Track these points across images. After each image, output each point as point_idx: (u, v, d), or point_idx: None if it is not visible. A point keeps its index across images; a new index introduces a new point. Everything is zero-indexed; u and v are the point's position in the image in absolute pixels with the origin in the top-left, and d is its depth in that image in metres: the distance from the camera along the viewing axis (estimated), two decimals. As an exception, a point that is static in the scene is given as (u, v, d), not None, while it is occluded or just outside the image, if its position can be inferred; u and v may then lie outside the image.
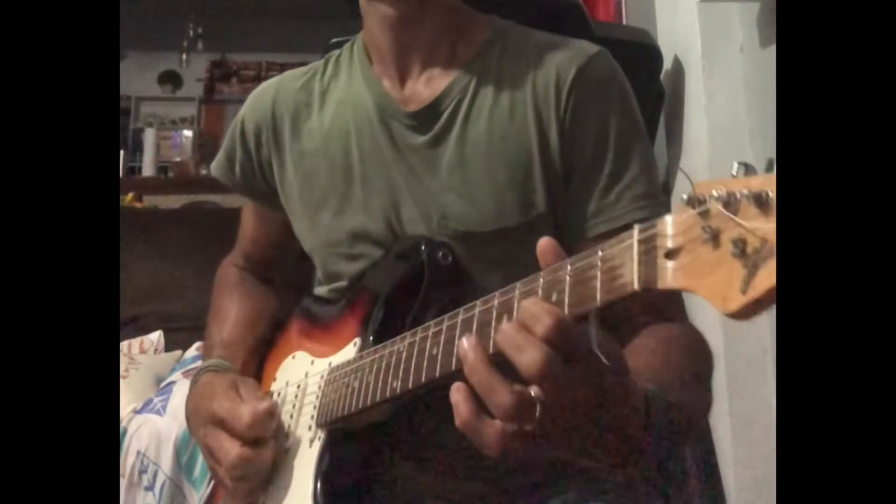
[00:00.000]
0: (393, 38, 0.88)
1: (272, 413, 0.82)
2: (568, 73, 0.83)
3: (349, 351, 0.82)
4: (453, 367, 0.61)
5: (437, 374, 0.63)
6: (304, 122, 0.94)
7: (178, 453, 1.81)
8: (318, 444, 0.80)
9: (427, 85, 0.89)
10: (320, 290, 0.97)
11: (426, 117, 0.88)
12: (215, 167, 1.02)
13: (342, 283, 0.92)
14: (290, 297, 1.05)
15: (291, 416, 0.86)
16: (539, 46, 0.87)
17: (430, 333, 0.66)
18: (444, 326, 0.64)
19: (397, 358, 0.70)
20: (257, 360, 0.98)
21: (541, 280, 0.56)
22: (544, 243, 0.57)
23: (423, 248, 0.82)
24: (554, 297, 0.54)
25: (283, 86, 0.98)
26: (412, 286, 0.81)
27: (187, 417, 0.90)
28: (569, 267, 0.54)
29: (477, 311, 0.61)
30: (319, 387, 0.83)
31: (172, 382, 2.02)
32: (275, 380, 0.94)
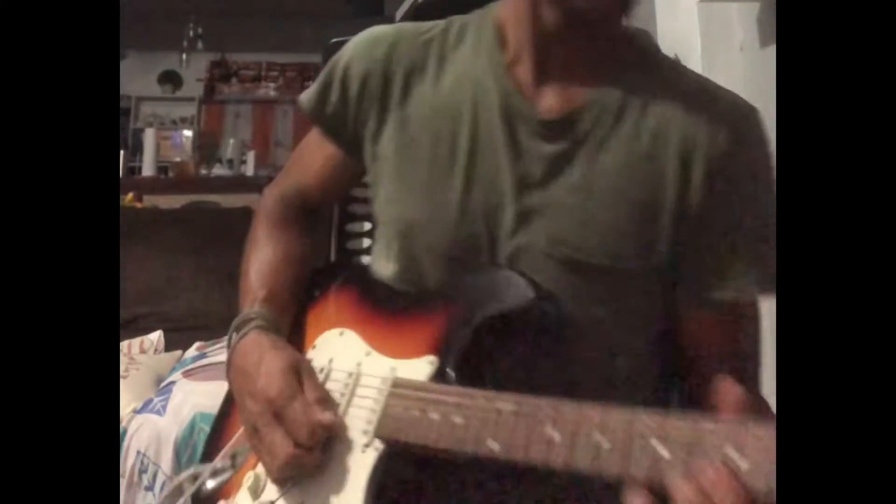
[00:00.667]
0: (543, 39, 0.81)
1: (334, 425, 0.76)
2: (725, 136, 0.79)
3: (421, 368, 0.76)
4: (581, 467, 0.59)
5: (560, 463, 0.61)
6: (417, 85, 0.86)
7: (178, 453, 1.81)
8: (373, 455, 0.74)
9: (563, 93, 0.82)
10: (380, 267, 0.90)
11: (558, 128, 0.81)
12: (306, 102, 0.93)
13: (415, 275, 0.85)
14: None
15: (339, 405, 0.79)
16: (694, 91, 0.82)
17: (549, 412, 0.63)
18: (571, 413, 0.62)
19: (499, 418, 0.66)
20: (297, 309, 0.92)
21: (721, 435, 0.55)
22: (726, 387, 0.58)
23: (534, 295, 0.74)
24: (740, 465, 0.54)
25: (401, 38, 0.88)
26: (509, 329, 0.75)
27: (230, 373, 0.85)
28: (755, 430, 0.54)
29: (620, 425, 0.59)
30: (381, 392, 0.77)
31: (172, 382, 2.02)
32: (314, 347, 0.88)
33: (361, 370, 0.80)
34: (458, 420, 0.68)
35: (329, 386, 0.81)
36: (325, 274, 0.97)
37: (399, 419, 0.73)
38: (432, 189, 0.83)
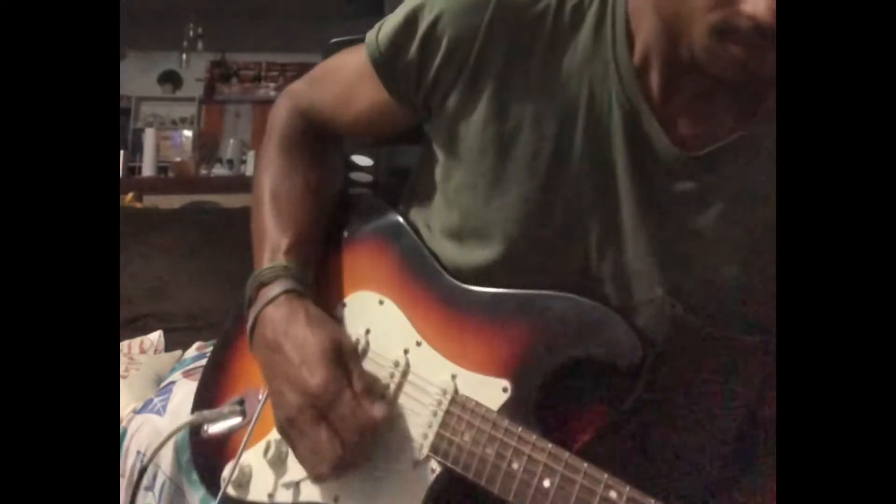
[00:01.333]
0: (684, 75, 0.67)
1: (384, 420, 0.68)
2: None
3: (491, 391, 0.67)
4: None
5: None
6: (519, 70, 0.71)
7: (178, 453, 1.81)
8: (430, 475, 0.68)
9: (702, 121, 0.68)
10: (428, 237, 0.78)
11: (694, 164, 0.68)
12: (374, 44, 0.76)
13: (481, 270, 0.73)
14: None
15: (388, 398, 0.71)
16: None
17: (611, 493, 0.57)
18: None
19: (581, 490, 0.60)
20: (323, 251, 0.80)
21: None
22: None
23: (644, 352, 0.64)
24: None
25: (505, 6, 0.71)
26: (599, 377, 0.65)
27: (254, 346, 0.74)
28: None
29: None
30: (440, 404, 0.69)
31: (172, 382, 2.02)
32: (344, 305, 0.77)
33: (410, 362, 0.71)
34: (528, 478, 0.62)
35: (367, 367, 0.72)
36: (357, 211, 0.84)
37: (459, 446, 0.66)
38: (527, 198, 0.71)
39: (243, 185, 4.57)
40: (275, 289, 0.74)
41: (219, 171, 5.15)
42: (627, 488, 0.59)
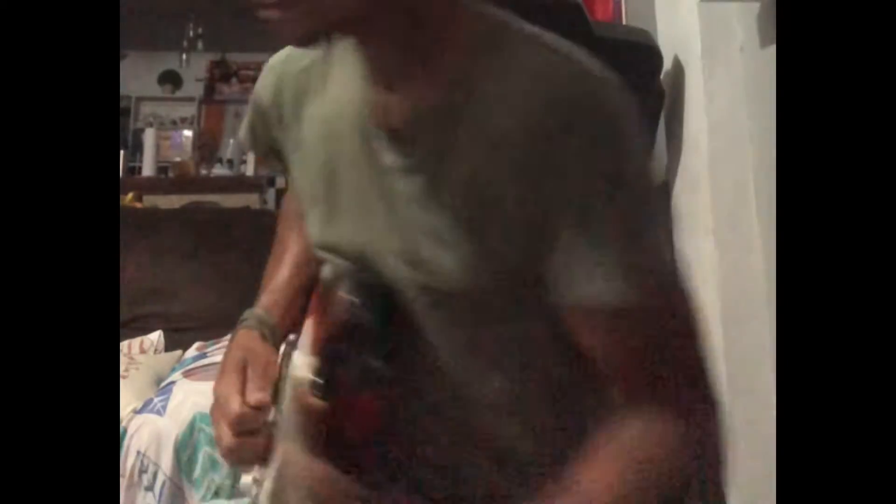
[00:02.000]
0: (362, 49, 0.76)
1: (263, 407, 0.80)
2: (552, 113, 0.69)
3: (306, 366, 0.80)
4: None
5: None
6: (306, 108, 0.84)
7: (178, 453, 1.81)
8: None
9: (408, 95, 0.75)
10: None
11: (402, 138, 0.75)
12: (242, 136, 0.95)
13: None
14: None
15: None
16: (531, 69, 0.71)
17: None
18: None
19: None
20: (304, 300, 0.92)
21: None
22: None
23: (351, 303, 0.77)
24: None
25: (287, 64, 0.85)
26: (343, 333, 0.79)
27: None
28: None
29: None
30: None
31: (172, 382, 2.02)
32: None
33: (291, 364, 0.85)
34: None
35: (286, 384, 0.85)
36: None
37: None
38: (324, 214, 0.83)
39: (243, 185, 4.58)
40: (239, 325, 0.90)
41: (219, 171, 5.15)
42: None
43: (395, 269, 0.78)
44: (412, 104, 0.74)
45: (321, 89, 0.83)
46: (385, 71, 0.76)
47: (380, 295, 0.78)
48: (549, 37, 0.76)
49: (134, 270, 2.71)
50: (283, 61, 0.88)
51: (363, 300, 0.78)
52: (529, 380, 0.79)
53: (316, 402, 0.78)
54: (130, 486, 1.79)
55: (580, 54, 0.74)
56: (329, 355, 0.79)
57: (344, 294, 0.78)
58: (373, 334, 0.78)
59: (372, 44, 0.75)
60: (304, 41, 0.71)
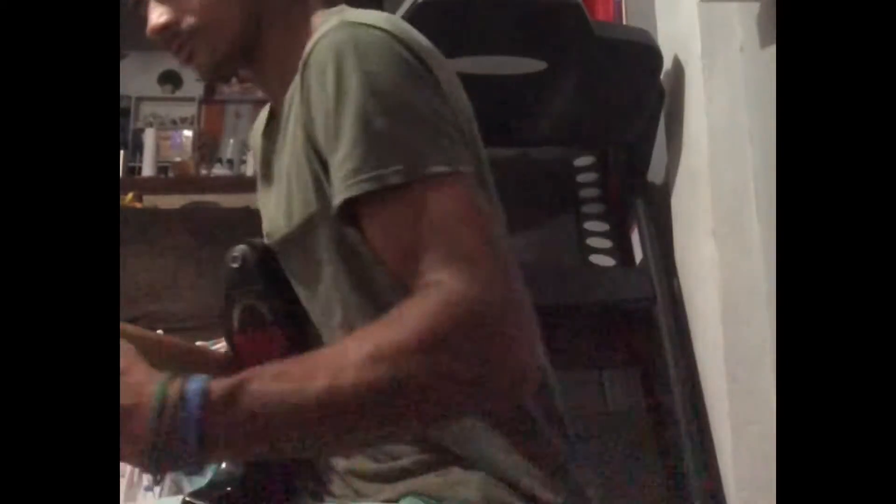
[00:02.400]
0: (254, 80, 0.92)
1: None
2: (304, 59, 0.77)
3: None
4: None
5: None
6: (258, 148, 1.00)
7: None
8: None
9: (279, 97, 0.87)
10: None
11: (274, 130, 0.89)
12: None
13: None
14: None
15: None
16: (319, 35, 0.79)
17: None
18: None
19: None
20: None
21: None
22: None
23: (227, 254, 0.91)
24: None
25: (257, 125, 1.02)
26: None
27: None
28: None
29: None
30: None
31: (172, 382, 2.02)
32: None
33: None
34: None
35: None
36: None
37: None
38: (262, 206, 0.97)
39: (243, 185, 4.57)
40: None
41: (219, 171, 5.15)
42: None
43: (270, 236, 0.89)
44: (280, 105, 0.86)
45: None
46: (273, 90, 0.88)
47: (257, 248, 0.91)
48: (355, 9, 0.82)
49: (134, 270, 2.71)
50: (258, 121, 1.02)
51: (240, 249, 0.91)
52: (363, 306, 0.81)
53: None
54: (131, 486, 1.79)
55: (366, 13, 0.78)
56: (224, 298, 0.91)
57: (233, 246, 0.92)
58: (249, 274, 0.89)
59: (261, 73, 0.88)
60: (214, 75, 0.87)
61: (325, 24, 0.78)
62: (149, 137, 4.83)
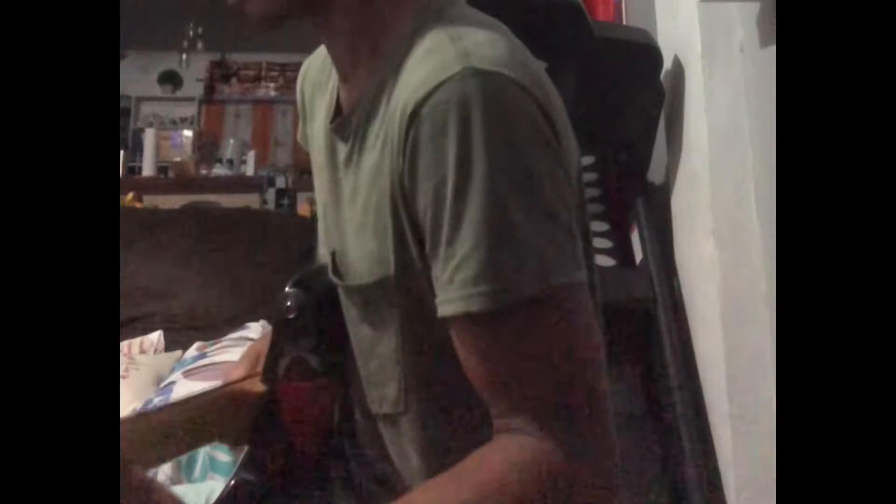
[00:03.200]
0: (322, 38, 0.79)
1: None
2: (411, 102, 0.64)
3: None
4: None
5: None
6: (315, 105, 0.87)
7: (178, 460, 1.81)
8: None
9: (355, 83, 0.75)
10: None
11: (343, 127, 0.76)
12: (298, 138, 0.97)
13: None
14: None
15: None
16: (420, 57, 0.67)
17: None
18: None
19: None
20: None
21: None
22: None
23: (283, 300, 0.80)
24: None
25: (312, 61, 0.90)
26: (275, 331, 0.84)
27: None
28: None
29: None
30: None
31: (172, 382, 2.02)
32: None
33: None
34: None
35: None
36: None
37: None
38: (318, 210, 0.86)
39: (243, 185, 4.58)
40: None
41: (219, 171, 5.16)
42: None
43: (335, 265, 0.78)
44: (357, 91, 0.75)
45: (326, 86, 0.84)
46: (340, 60, 0.77)
47: (314, 290, 0.80)
48: (468, 22, 0.70)
49: (134, 270, 2.71)
50: (309, 59, 0.91)
51: (296, 294, 0.80)
52: (420, 390, 0.74)
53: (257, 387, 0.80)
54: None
55: (486, 45, 0.66)
56: (271, 347, 0.82)
57: (287, 288, 0.81)
58: (304, 327, 0.79)
59: (327, 29, 0.75)
60: (266, 22, 0.74)
61: (437, 44, 0.66)
62: (149, 137, 4.84)
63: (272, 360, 0.81)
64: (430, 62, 0.65)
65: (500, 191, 0.61)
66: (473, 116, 0.61)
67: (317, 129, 0.84)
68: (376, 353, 0.76)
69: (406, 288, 0.69)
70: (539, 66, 0.70)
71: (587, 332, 0.63)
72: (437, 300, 0.64)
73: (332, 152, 0.79)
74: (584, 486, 0.60)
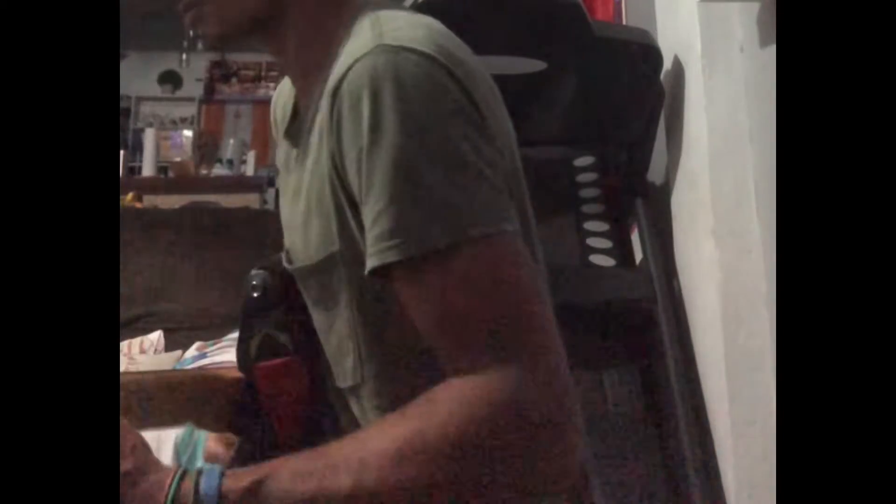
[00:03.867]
0: (271, 53, 0.85)
1: None
2: (332, 84, 0.69)
3: None
4: None
5: None
6: (282, 121, 0.94)
7: (178, 453, 1.80)
8: None
9: (303, 96, 0.82)
10: None
11: (296, 133, 0.82)
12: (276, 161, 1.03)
13: None
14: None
15: None
16: (350, 48, 0.71)
17: None
18: None
19: None
20: None
21: None
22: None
23: (248, 280, 0.87)
24: None
25: (282, 86, 0.97)
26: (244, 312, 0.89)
27: None
28: None
29: None
30: None
31: (172, 382, 2.01)
32: None
33: None
34: None
35: None
36: None
37: None
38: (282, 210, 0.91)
39: (243, 185, 4.58)
40: None
41: (219, 171, 5.16)
42: None
43: (290, 256, 0.84)
44: (306, 99, 0.81)
45: (289, 103, 0.91)
46: (292, 73, 0.83)
47: (277, 273, 0.87)
48: (394, 14, 0.74)
49: (134, 270, 2.70)
50: (280, 84, 0.97)
51: (260, 275, 0.87)
52: (375, 360, 0.77)
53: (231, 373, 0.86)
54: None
55: (403, 28, 0.70)
56: (241, 330, 0.88)
57: (252, 271, 0.89)
58: (269, 305, 0.86)
59: (276, 46, 0.81)
60: (220, 41, 0.80)
61: (359, 32, 0.71)
62: (149, 137, 4.84)
63: (244, 341, 0.87)
64: (350, 47, 0.71)
65: (409, 151, 0.64)
66: (384, 86, 0.65)
67: (280, 142, 0.92)
68: (334, 329, 0.80)
69: (351, 262, 0.73)
70: (466, 53, 0.74)
71: (519, 278, 0.65)
72: (366, 261, 0.67)
73: (287, 159, 0.86)
74: (533, 418, 0.60)
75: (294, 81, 0.84)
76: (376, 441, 0.61)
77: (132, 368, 2.22)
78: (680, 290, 1.53)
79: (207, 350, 2.33)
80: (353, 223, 0.71)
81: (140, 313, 2.66)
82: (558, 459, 0.61)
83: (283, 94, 0.96)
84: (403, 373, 0.75)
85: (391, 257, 0.64)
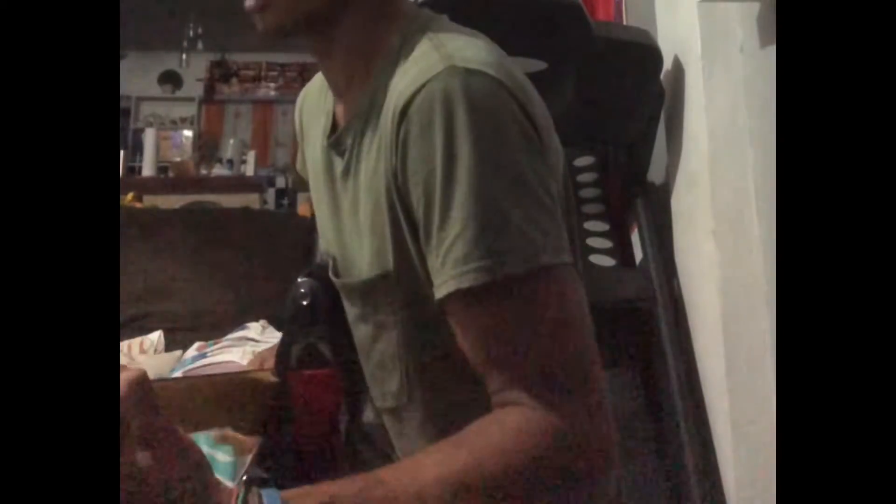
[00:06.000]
0: (318, 60, 0.83)
1: None
2: (400, 103, 0.69)
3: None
4: None
5: None
6: (311, 128, 0.93)
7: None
8: None
9: (349, 101, 0.80)
10: None
11: (339, 143, 0.81)
12: (297, 167, 1.03)
13: None
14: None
15: None
16: (408, 66, 0.72)
17: None
18: None
19: None
20: None
21: None
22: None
23: (296, 288, 0.86)
24: None
25: (308, 89, 0.96)
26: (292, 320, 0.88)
27: None
28: None
29: None
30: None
31: (173, 382, 2.01)
32: None
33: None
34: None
35: None
36: None
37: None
38: (319, 226, 0.90)
39: (243, 185, 4.59)
40: None
41: (219, 171, 5.16)
42: None
43: (336, 268, 0.84)
44: (352, 108, 0.79)
45: (323, 107, 0.89)
46: (336, 80, 0.82)
47: (324, 282, 0.85)
48: (449, 33, 0.74)
49: (134, 270, 2.70)
50: (306, 87, 0.96)
51: (309, 283, 0.86)
52: (423, 382, 0.77)
53: (269, 378, 0.83)
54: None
55: (467, 48, 0.71)
56: (284, 336, 0.87)
57: (300, 278, 0.87)
58: (317, 314, 0.85)
59: (326, 49, 0.80)
60: (276, 35, 0.78)
61: (419, 49, 0.71)
62: (149, 137, 4.84)
63: (285, 347, 0.85)
64: (416, 67, 0.70)
65: (486, 178, 0.65)
66: (457, 110, 0.65)
67: (313, 150, 0.89)
68: (376, 349, 0.79)
69: (405, 282, 0.73)
70: (520, 72, 0.74)
71: (579, 311, 0.66)
72: (434, 286, 0.67)
73: (329, 168, 0.83)
74: (581, 450, 0.62)
75: (334, 87, 0.83)
76: (432, 471, 0.61)
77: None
78: (680, 289, 1.53)
79: (207, 350, 2.32)
80: (410, 245, 0.71)
81: (140, 313, 2.66)
82: (604, 486, 0.64)
83: (310, 95, 0.94)
84: (451, 398, 0.76)
85: (471, 281, 0.64)
